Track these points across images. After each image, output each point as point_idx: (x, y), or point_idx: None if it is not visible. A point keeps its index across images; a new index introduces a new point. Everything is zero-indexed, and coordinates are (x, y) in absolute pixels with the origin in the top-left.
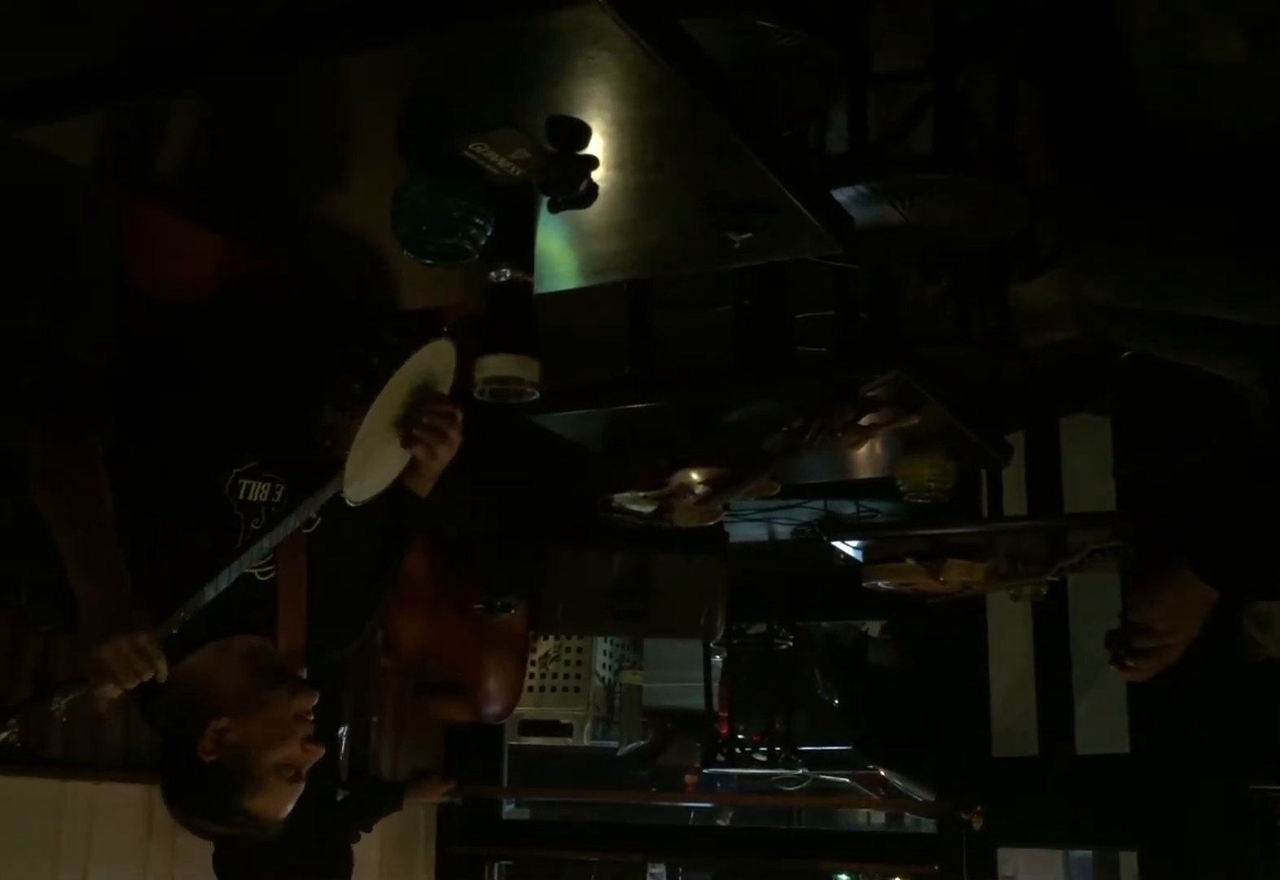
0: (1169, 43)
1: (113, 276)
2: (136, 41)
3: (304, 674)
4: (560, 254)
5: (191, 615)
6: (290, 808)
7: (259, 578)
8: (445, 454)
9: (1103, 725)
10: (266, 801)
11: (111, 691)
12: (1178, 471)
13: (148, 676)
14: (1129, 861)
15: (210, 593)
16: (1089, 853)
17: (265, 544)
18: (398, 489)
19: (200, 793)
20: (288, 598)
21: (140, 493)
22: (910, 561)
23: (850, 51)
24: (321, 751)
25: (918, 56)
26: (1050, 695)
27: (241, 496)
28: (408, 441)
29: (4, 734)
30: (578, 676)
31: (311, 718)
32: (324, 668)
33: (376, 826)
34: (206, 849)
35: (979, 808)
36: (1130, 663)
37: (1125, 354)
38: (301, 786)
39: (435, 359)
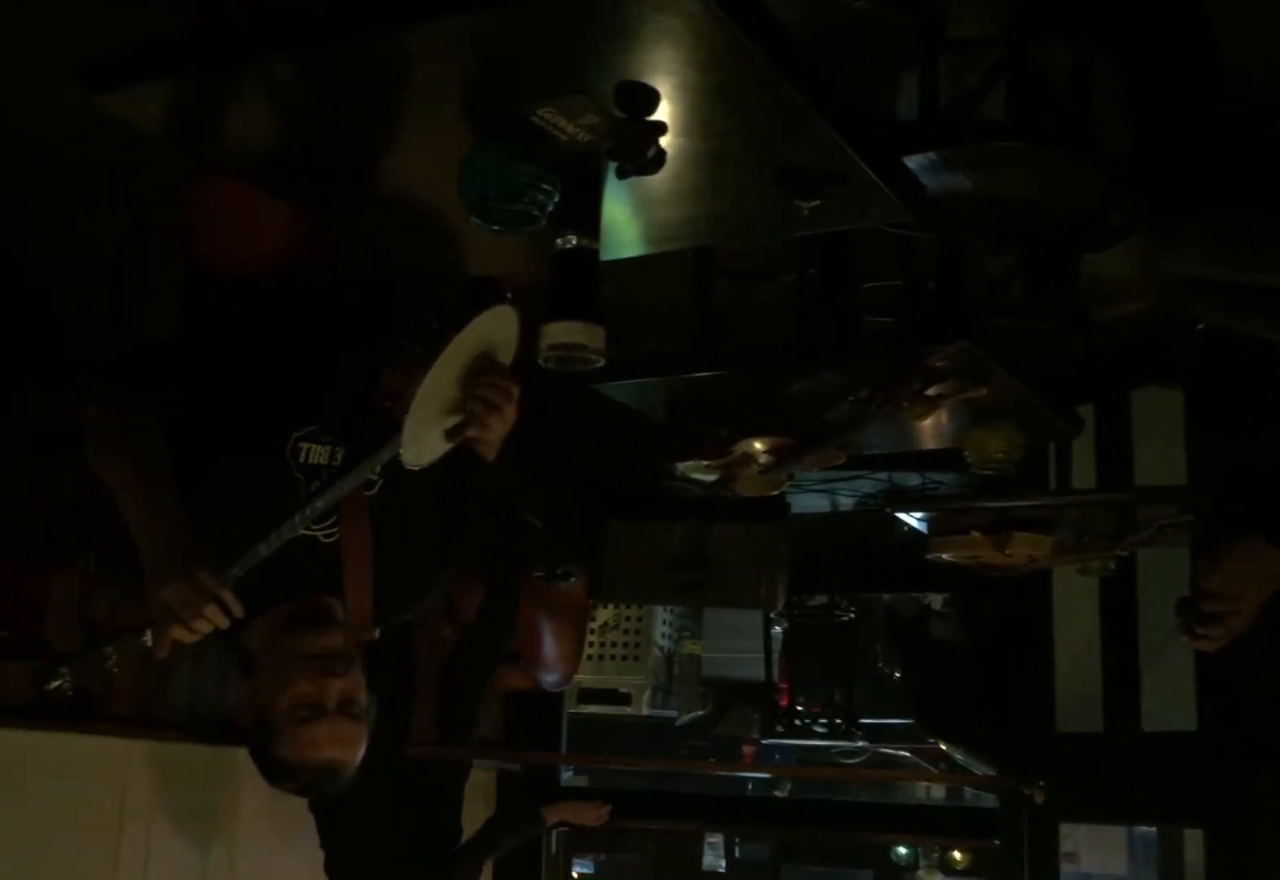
0: (1258, 9)
1: (179, 253)
2: (209, 10)
3: (375, 635)
4: (626, 221)
5: (245, 572)
6: (333, 746)
7: (323, 540)
8: (499, 428)
9: (1170, 702)
10: (293, 747)
11: (183, 635)
12: (1253, 446)
13: (215, 616)
14: (1194, 839)
15: (264, 551)
16: (1153, 830)
17: (320, 504)
18: (464, 451)
19: (255, 759)
20: (352, 559)
21: (202, 456)
22: (976, 534)
23: (923, 16)
24: (338, 682)
25: (993, 24)
26: (1116, 671)
27: (302, 459)
28: (463, 414)
29: (56, 683)
30: (637, 646)
31: (324, 654)
32: (396, 629)
33: None
34: (271, 808)
35: (1041, 783)
36: (1199, 630)
37: (1200, 326)
38: (338, 720)
39: (497, 325)
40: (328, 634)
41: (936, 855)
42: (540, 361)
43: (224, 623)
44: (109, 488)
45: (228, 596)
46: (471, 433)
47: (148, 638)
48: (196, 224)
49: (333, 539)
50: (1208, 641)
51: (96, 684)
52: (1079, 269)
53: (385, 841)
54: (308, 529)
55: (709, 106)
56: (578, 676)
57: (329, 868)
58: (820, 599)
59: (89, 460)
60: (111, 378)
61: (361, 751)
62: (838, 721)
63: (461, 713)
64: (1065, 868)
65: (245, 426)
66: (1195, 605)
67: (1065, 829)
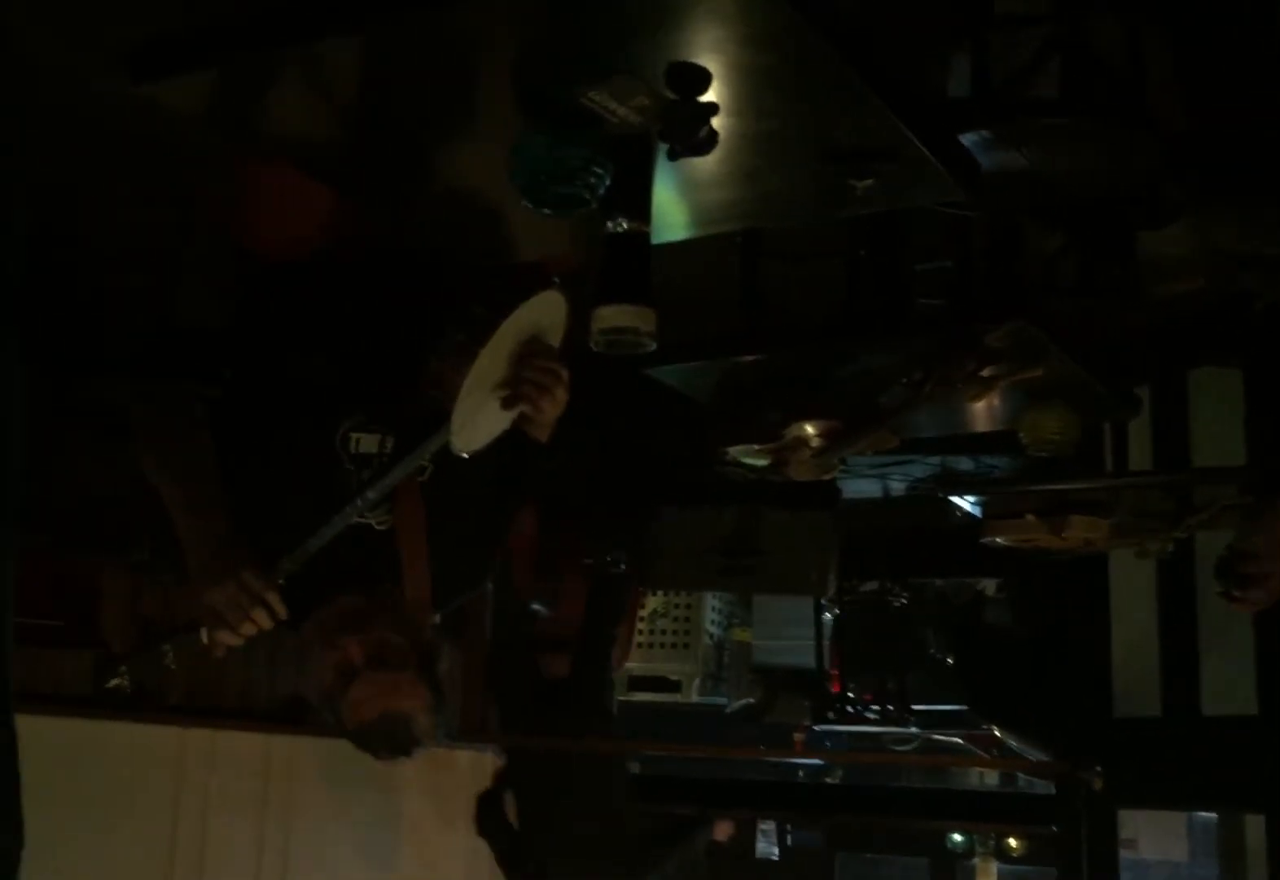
0: None
1: (228, 240)
2: None
3: (436, 620)
4: (674, 204)
5: (298, 565)
6: (375, 702)
7: (376, 528)
8: (550, 410)
9: (1230, 686)
10: (348, 718)
11: (228, 638)
12: None
13: (261, 617)
14: (1255, 825)
15: (315, 544)
16: (1214, 816)
17: (371, 495)
18: (515, 438)
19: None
20: (408, 546)
21: (253, 449)
22: (1031, 517)
23: None
24: (357, 637)
25: (1039, 1)
26: (1175, 654)
27: (352, 449)
28: (512, 396)
29: (115, 680)
30: (686, 633)
31: (338, 617)
32: (456, 614)
33: (484, 783)
34: (323, 796)
35: (1098, 769)
36: (1237, 593)
37: (1258, 303)
38: (370, 676)
39: (544, 311)
40: (341, 600)
41: (992, 842)
42: (591, 345)
43: (268, 625)
44: (156, 486)
45: (273, 599)
46: (524, 409)
47: (203, 635)
48: (244, 210)
49: (386, 526)
50: (1247, 605)
51: (153, 680)
52: (1134, 246)
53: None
54: (361, 517)
55: (761, 86)
56: (627, 664)
57: (502, 862)
58: (871, 585)
59: (137, 458)
60: (159, 370)
61: (418, 698)
62: (890, 708)
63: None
64: (1124, 854)
65: (294, 417)
66: (1234, 566)
67: (1123, 815)
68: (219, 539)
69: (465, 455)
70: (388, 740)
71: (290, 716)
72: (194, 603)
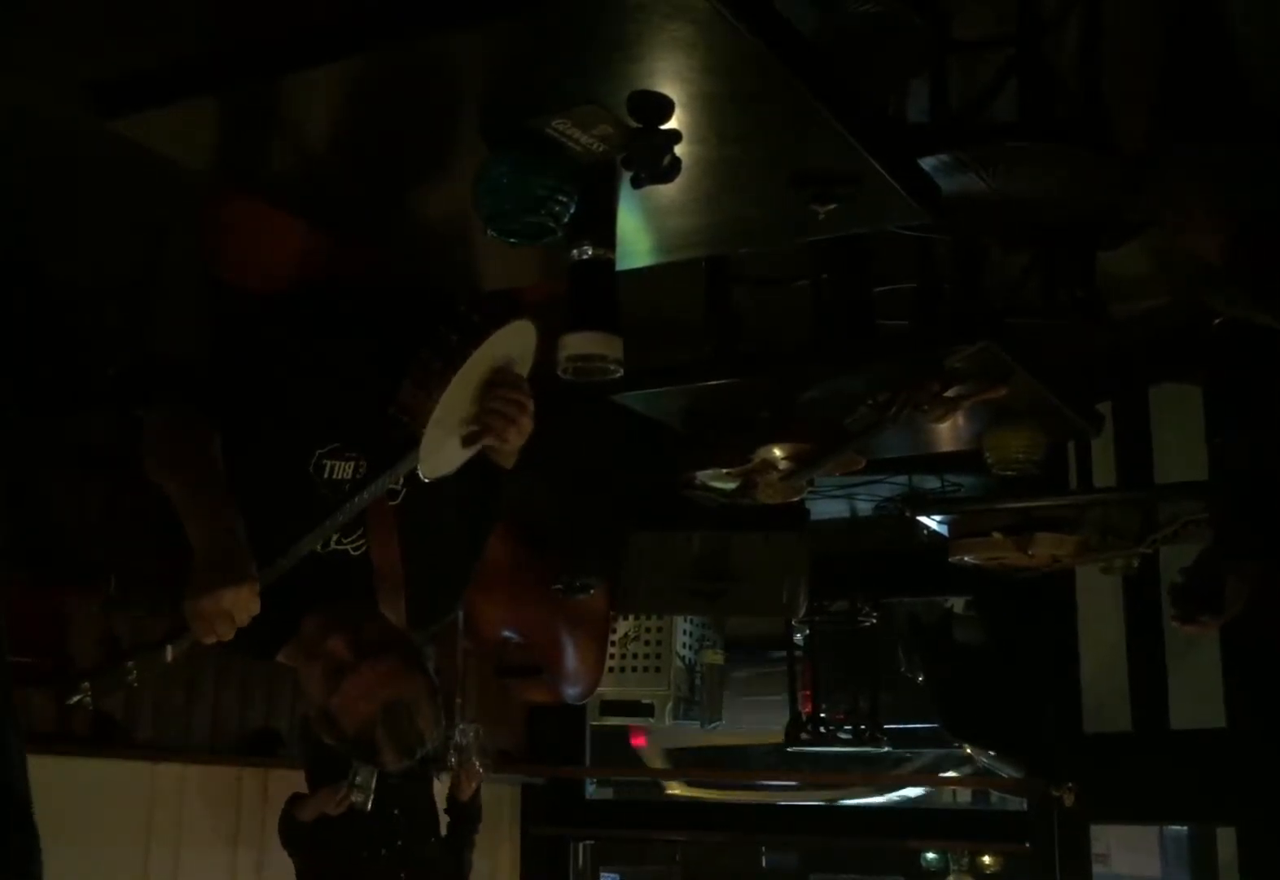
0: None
1: (199, 269)
2: (221, 32)
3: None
4: (639, 231)
5: (266, 584)
6: (374, 692)
7: (352, 553)
8: (515, 439)
9: (1197, 699)
10: (346, 718)
11: (210, 640)
12: (1272, 441)
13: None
14: (1226, 838)
15: (284, 564)
16: (1185, 829)
17: (340, 517)
18: (482, 461)
19: (360, 759)
20: (382, 571)
21: (228, 475)
22: (997, 536)
23: (931, 18)
24: (342, 633)
25: (996, 23)
26: (1143, 670)
27: (326, 476)
28: (479, 425)
29: (77, 697)
30: (658, 656)
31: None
32: (427, 639)
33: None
34: None
35: (1070, 784)
36: (1205, 618)
37: (1217, 321)
38: (364, 666)
39: (515, 340)
40: (316, 612)
41: (966, 860)
42: (559, 373)
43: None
44: (169, 494)
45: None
46: (488, 442)
47: (168, 653)
48: (214, 242)
49: (361, 551)
50: (1197, 626)
51: (116, 697)
52: (1094, 265)
53: None
54: (337, 543)
55: (723, 113)
56: (600, 689)
57: None
58: (841, 605)
59: (147, 468)
60: (138, 402)
61: (416, 684)
62: (862, 727)
63: None
64: (1097, 869)
65: (269, 444)
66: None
67: (1096, 830)
68: (226, 546)
69: (429, 480)
70: (393, 738)
71: (261, 749)
72: (196, 604)
